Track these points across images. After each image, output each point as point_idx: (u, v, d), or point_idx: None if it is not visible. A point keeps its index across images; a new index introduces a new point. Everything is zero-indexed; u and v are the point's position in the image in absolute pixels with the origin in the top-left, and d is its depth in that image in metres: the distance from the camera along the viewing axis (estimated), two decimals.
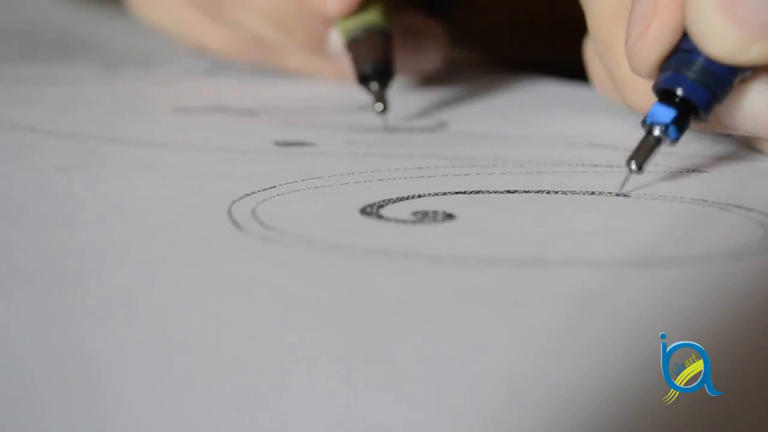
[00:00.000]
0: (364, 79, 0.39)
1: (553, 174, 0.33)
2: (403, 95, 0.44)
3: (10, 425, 0.19)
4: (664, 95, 0.30)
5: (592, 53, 0.38)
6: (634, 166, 0.30)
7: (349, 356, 0.22)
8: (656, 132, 0.30)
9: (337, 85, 0.45)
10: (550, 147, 0.36)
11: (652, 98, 0.31)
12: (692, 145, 0.35)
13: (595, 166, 0.34)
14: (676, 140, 0.30)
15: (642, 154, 0.30)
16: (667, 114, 0.30)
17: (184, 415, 0.20)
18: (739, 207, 0.29)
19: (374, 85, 0.39)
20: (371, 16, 0.40)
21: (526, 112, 0.42)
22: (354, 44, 0.40)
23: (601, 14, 0.33)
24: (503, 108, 0.43)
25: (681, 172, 0.33)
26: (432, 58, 0.45)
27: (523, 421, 0.20)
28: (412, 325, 0.23)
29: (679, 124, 0.30)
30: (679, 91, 0.30)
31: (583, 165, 0.34)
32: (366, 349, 0.22)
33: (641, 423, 0.20)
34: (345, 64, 0.42)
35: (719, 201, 0.30)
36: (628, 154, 0.30)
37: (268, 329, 0.23)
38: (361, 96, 0.42)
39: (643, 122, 0.30)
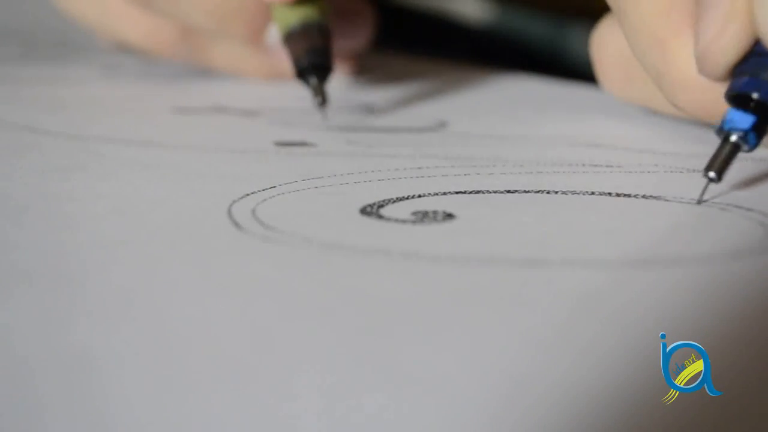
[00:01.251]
0: (301, 74, 0.39)
1: (553, 174, 0.33)
2: (404, 94, 0.44)
3: (11, 425, 0.19)
4: (739, 100, 0.29)
5: (601, 44, 0.37)
6: (712, 175, 0.29)
7: (349, 356, 0.22)
8: (734, 138, 0.29)
9: (337, 86, 0.45)
10: (550, 147, 0.36)
11: (706, 100, 0.30)
12: (692, 145, 0.35)
13: (595, 166, 0.34)
14: (753, 147, 0.29)
15: (720, 161, 0.29)
16: (745, 120, 0.29)
17: (183, 415, 0.20)
18: (739, 207, 0.29)
19: (313, 80, 0.39)
20: (309, 11, 0.40)
21: (526, 112, 0.42)
22: (291, 38, 0.40)
23: (650, 10, 0.32)
24: (503, 108, 0.43)
25: (681, 172, 0.33)
26: (360, 39, 0.45)
27: (523, 420, 0.20)
28: (412, 325, 0.23)
29: (759, 130, 0.29)
30: (756, 95, 0.29)
31: (583, 165, 0.34)
32: (366, 349, 0.22)
33: (641, 423, 0.20)
34: (280, 60, 0.42)
35: (719, 201, 0.30)
36: (629, 154, 0.30)
37: (268, 329, 0.23)
38: (361, 96, 0.42)
39: (719, 129, 0.29)
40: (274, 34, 0.43)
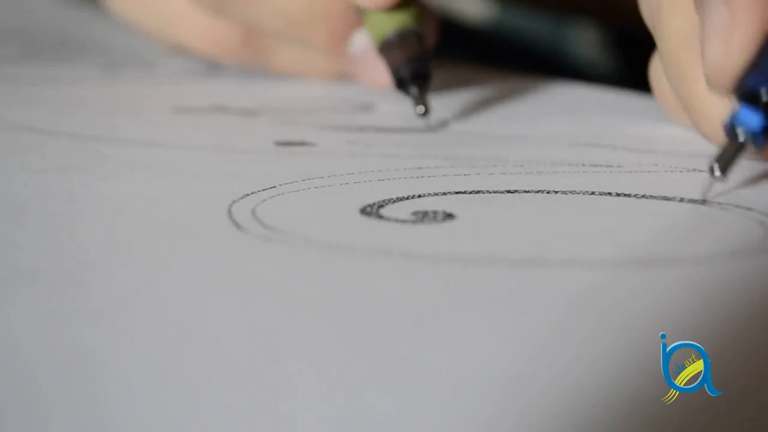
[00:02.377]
0: (401, 83, 0.39)
1: (553, 174, 0.33)
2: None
3: (13, 425, 0.19)
4: (747, 99, 0.29)
5: (658, 73, 0.37)
6: (717, 172, 0.29)
7: (349, 356, 0.22)
8: (741, 136, 0.29)
9: (337, 86, 0.45)
10: (550, 147, 0.36)
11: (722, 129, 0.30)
12: (692, 145, 0.35)
13: (595, 166, 0.34)
14: (761, 147, 0.29)
15: (726, 159, 0.29)
16: (753, 118, 0.29)
17: (184, 414, 0.20)
18: (739, 207, 0.29)
19: (413, 90, 0.38)
20: (404, 17, 0.40)
21: (526, 112, 0.42)
22: (387, 47, 0.40)
23: (673, 39, 0.32)
24: (503, 108, 0.43)
25: (681, 172, 0.33)
26: (429, 41, 0.45)
27: (524, 420, 0.20)
28: (412, 325, 0.23)
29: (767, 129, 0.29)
30: (765, 94, 0.29)
31: (583, 165, 0.34)
32: (366, 349, 0.22)
33: (641, 423, 0.20)
34: (365, 68, 0.41)
35: (719, 201, 0.30)
36: (629, 154, 0.30)
37: (268, 329, 0.23)
38: (361, 96, 0.42)
39: (727, 126, 0.29)
40: (359, 43, 0.42)
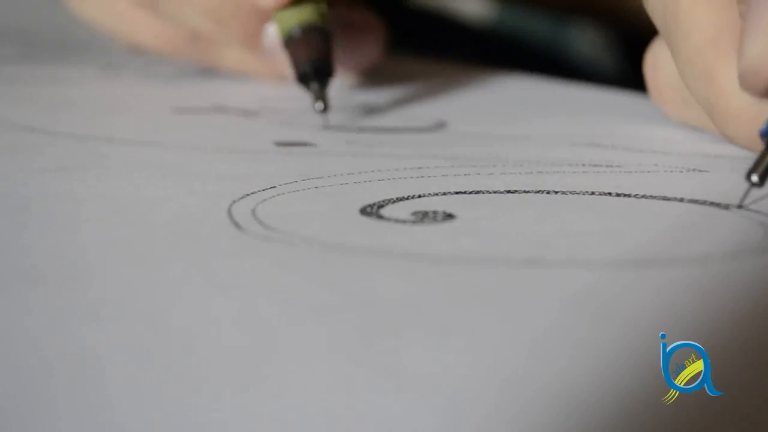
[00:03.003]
0: (303, 79, 0.39)
1: (553, 174, 0.33)
2: (404, 94, 0.44)
3: (14, 425, 0.19)
4: None
5: (655, 66, 0.36)
6: (755, 179, 0.29)
7: (349, 356, 0.22)
8: None
9: (337, 86, 0.45)
10: (550, 147, 0.36)
11: (755, 130, 0.29)
12: (692, 145, 0.35)
13: (595, 166, 0.34)
14: None
15: (764, 166, 0.29)
16: None
17: (184, 414, 0.20)
18: (739, 207, 0.29)
19: (314, 85, 0.39)
20: (308, 13, 0.40)
21: (526, 112, 0.42)
22: (292, 42, 0.40)
23: (699, 40, 0.32)
24: (503, 108, 0.43)
25: (681, 171, 0.33)
26: (370, 54, 0.45)
27: (522, 420, 0.20)
28: (412, 325, 0.23)
29: None
30: None
31: (583, 165, 0.34)
32: (366, 349, 0.22)
33: (641, 423, 0.20)
34: (279, 61, 0.42)
35: (719, 201, 0.30)
36: (629, 154, 0.30)
37: (268, 329, 0.23)
38: (361, 96, 0.42)
39: (763, 134, 0.29)
40: (271, 36, 0.43)
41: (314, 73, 0.39)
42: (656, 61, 0.36)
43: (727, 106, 0.31)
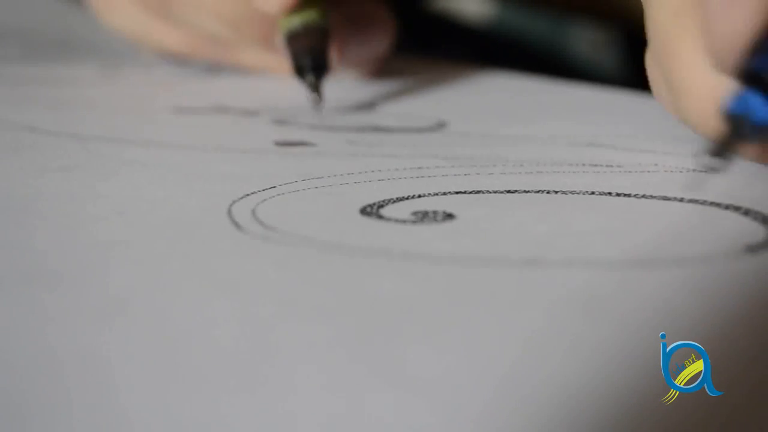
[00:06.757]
0: (299, 71, 0.40)
1: (553, 174, 0.33)
2: (405, 94, 0.44)
3: (13, 425, 0.19)
4: (752, 82, 0.26)
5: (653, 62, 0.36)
6: (709, 162, 0.26)
7: (349, 356, 0.22)
8: (744, 122, 0.26)
9: (337, 86, 0.45)
10: (550, 147, 0.36)
11: (712, 109, 0.27)
12: (692, 145, 0.35)
13: (595, 166, 0.34)
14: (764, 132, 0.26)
15: (721, 148, 0.26)
16: (758, 103, 0.26)
17: (183, 414, 0.20)
18: (739, 207, 0.29)
19: (309, 77, 0.40)
20: (311, 14, 0.42)
21: (526, 112, 0.42)
22: (292, 39, 0.41)
23: (662, 14, 0.30)
24: (503, 108, 0.43)
25: (681, 172, 0.33)
26: (378, 46, 0.45)
27: (523, 419, 0.20)
28: (412, 325, 0.23)
29: None
30: None
31: (583, 165, 0.34)
32: (365, 349, 0.22)
33: (641, 423, 0.20)
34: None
35: (719, 201, 0.30)
36: (629, 154, 0.30)
37: (268, 329, 0.23)
38: (361, 96, 0.42)
39: (727, 111, 0.26)
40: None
41: (310, 65, 0.40)
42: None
43: (680, 79, 0.30)
